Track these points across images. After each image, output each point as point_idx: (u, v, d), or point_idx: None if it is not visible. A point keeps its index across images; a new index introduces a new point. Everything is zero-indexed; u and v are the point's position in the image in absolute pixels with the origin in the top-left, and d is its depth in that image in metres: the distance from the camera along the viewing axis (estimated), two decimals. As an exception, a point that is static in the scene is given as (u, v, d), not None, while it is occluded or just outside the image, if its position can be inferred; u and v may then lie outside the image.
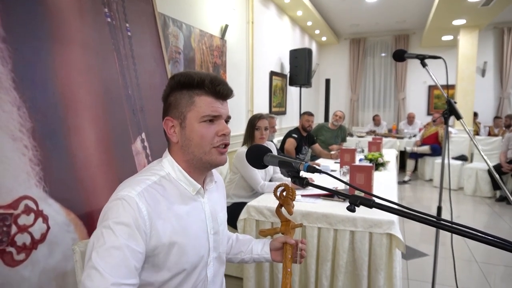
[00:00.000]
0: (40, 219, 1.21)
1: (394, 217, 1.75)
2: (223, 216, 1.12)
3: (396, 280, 1.75)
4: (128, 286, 0.80)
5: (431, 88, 8.02)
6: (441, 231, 1.70)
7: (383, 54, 8.37)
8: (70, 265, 1.28)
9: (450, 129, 5.71)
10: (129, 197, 0.84)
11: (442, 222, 0.69)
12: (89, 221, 1.38)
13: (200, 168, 0.98)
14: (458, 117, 1.54)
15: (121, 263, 0.80)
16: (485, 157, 1.47)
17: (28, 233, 1.17)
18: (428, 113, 7.93)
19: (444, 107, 1.60)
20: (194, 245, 0.95)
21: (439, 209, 1.68)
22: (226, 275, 1.15)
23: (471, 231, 0.65)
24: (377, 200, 0.77)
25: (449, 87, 1.71)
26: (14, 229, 1.13)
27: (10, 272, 1.11)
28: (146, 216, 0.85)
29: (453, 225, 0.67)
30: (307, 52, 5.36)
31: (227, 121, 0.99)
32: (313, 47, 7.86)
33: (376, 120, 7.55)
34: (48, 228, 1.23)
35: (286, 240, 1.13)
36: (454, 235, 1.30)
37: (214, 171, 1.09)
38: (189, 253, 0.93)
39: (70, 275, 1.28)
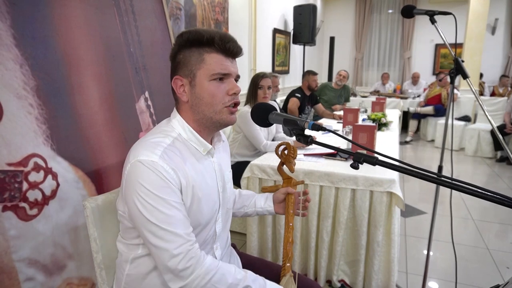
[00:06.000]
0: (49, 176, 1.24)
1: (395, 176, 1.79)
2: (230, 174, 1.16)
3: (394, 236, 1.81)
4: (192, 233, 0.90)
5: (438, 47, 7.80)
6: (440, 190, 1.74)
7: (390, 11, 8.07)
8: (81, 220, 1.33)
9: (455, 91, 5.62)
10: (153, 162, 0.86)
11: (442, 178, 0.71)
12: (96, 178, 1.42)
13: (209, 128, 0.99)
14: (465, 76, 1.52)
15: (181, 218, 0.87)
16: (489, 118, 1.47)
17: (39, 190, 1.20)
18: (434, 73, 7.77)
19: (451, 67, 1.57)
20: (209, 202, 0.99)
21: (440, 168, 1.70)
22: (230, 231, 1.20)
23: (470, 187, 0.67)
24: (380, 158, 0.79)
25: (457, 45, 1.66)
26: (25, 185, 1.17)
27: (25, 226, 1.15)
28: (174, 175, 0.88)
29: (453, 181, 0.68)
30: (311, 8, 5.16)
31: (236, 80, 0.99)
32: (318, 3, 7.56)
33: (384, 78, 7.41)
34: (58, 185, 1.27)
35: (287, 190, 1.17)
36: (452, 193, 1.34)
37: (220, 130, 1.10)
38: (205, 209, 0.97)
39: (81, 229, 1.33)
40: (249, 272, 0.92)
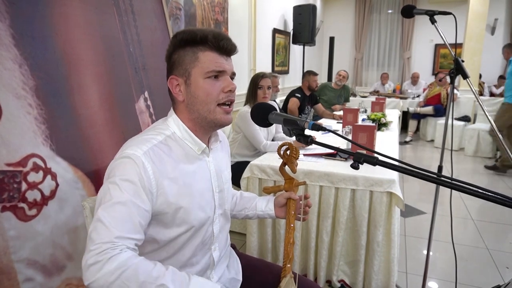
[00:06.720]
0: (48, 177, 1.24)
1: (395, 176, 1.78)
2: (228, 174, 1.14)
3: (394, 236, 1.81)
4: (132, 240, 0.81)
5: (437, 47, 7.80)
6: (440, 190, 1.74)
7: (389, 11, 8.07)
8: (80, 220, 1.33)
9: (454, 91, 5.59)
10: (135, 156, 0.85)
11: (442, 178, 0.71)
12: (96, 178, 1.41)
13: (205, 127, 0.99)
14: (465, 76, 1.51)
15: (126, 218, 0.81)
16: (490, 118, 1.47)
17: (38, 190, 1.20)
18: (433, 73, 7.77)
19: (450, 67, 1.57)
20: (200, 204, 0.97)
21: (440, 168, 1.70)
22: (230, 231, 1.19)
23: (470, 187, 0.66)
24: (380, 158, 0.79)
25: (456, 45, 1.66)
26: (24, 186, 1.16)
27: (24, 226, 1.15)
28: (152, 176, 0.86)
29: (453, 181, 0.68)
30: (311, 8, 5.16)
31: (232, 78, 0.98)
32: (318, 3, 7.56)
33: (383, 78, 7.41)
34: (57, 185, 1.26)
35: (290, 196, 1.16)
36: (452, 193, 1.34)
37: (219, 130, 1.09)
38: (196, 212, 0.96)
39: (81, 230, 1.33)
40: (172, 269, 0.81)
